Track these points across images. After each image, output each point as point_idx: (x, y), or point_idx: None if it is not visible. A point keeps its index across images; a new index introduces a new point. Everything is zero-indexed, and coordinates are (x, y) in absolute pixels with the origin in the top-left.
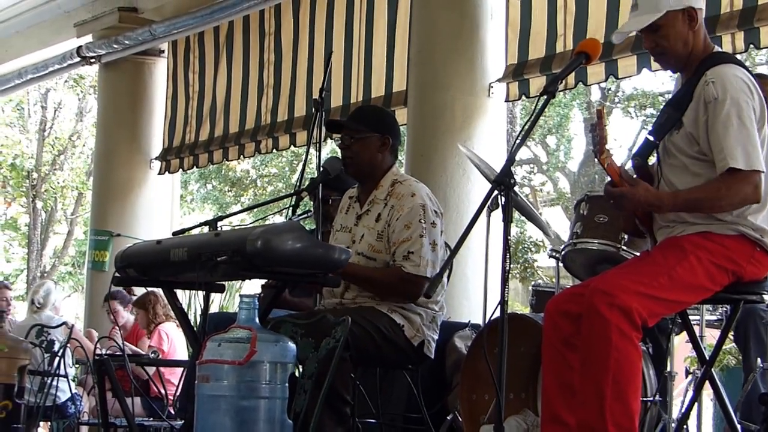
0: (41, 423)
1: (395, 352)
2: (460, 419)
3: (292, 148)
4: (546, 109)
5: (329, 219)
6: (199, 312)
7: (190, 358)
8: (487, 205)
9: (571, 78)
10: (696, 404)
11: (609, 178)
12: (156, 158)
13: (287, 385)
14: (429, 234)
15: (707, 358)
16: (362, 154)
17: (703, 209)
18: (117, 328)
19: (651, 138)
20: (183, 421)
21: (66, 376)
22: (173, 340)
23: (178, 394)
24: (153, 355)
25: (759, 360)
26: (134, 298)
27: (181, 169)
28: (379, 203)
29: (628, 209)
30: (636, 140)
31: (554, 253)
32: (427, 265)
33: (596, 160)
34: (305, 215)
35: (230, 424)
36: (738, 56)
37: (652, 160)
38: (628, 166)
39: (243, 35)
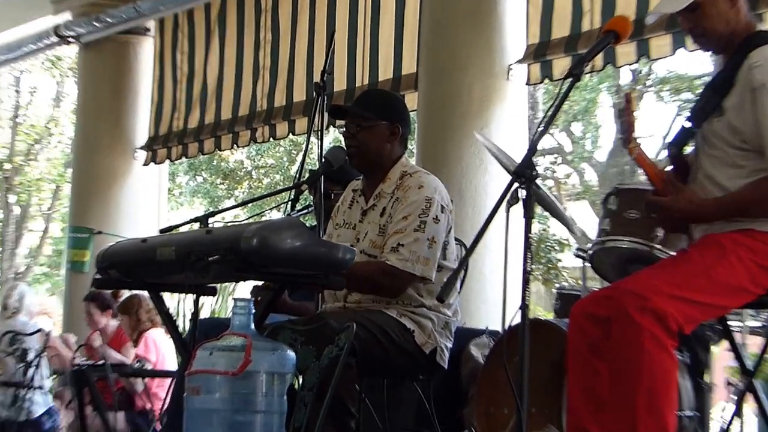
0: None
1: (405, 360)
2: None
3: (291, 136)
4: (571, 94)
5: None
6: (188, 317)
7: (178, 368)
8: (506, 199)
9: (598, 59)
10: (737, 419)
11: (647, 180)
12: (141, 147)
13: (286, 397)
14: (427, 229)
15: (750, 368)
16: (369, 144)
17: (751, 213)
18: (97, 333)
19: (688, 125)
20: None
21: (41, 387)
22: (161, 349)
23: (165, 407)
24: (138, 365)
25: None
26: (118, 301)
27: (168, 160)
28: (385, 197)
29: (667, 226)
30: (671, 128)
31: (580, 253)
32: (417, 261)
33: (624, 150)
34: (305, 211)
35: None
36: None
37: (689, 149)
38: (663, 155)
39: (237, 12)
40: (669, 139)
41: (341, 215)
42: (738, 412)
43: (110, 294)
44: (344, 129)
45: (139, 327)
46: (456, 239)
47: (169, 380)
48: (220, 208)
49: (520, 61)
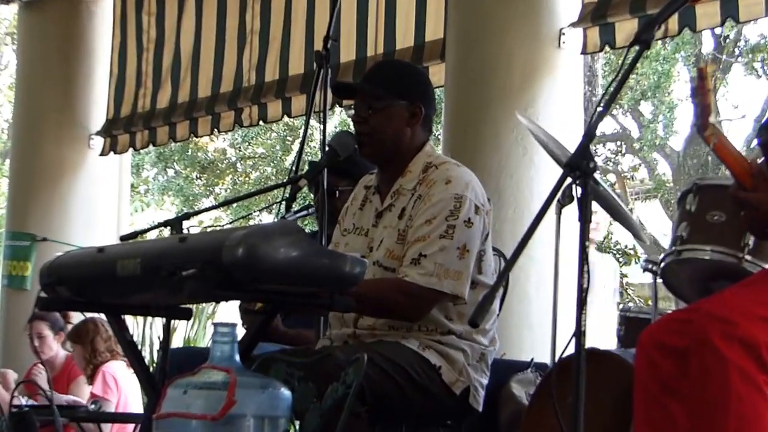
0: None
1: (429, 403)
2: None
3: (286, 119)
4: (638, 65)
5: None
6: (156, 347)
7: (144, 410)
8: (556, 199)
9: (673, 22)
10: None
11: (727, 171)
12: (97, 133)
13: None
14: (457, 235)
15: None
16: (384, 130)
17: None
18: (40, 365)
19: None
20: None
21: None
22: (123, 387)
23: None
24: (93, 407)
25: None
26: (68, 326)
27: (131, 149)
28: (405, 195)
29: (757, 229)
30: (765, 107)
31: (650, 266)
32: (444, 275)
33: (701, 138)
34: (304, 213)
35: None
36: None
37: None
38: (754, 144)
39: None
40: (763, 121)
41: (350, 218)
42: None
43: (60, 315)
44: (353, 111)
45: (95, 359)
46: (494, 249)
47: (131, 427)
48: (196, 209)
49: (574, 24)
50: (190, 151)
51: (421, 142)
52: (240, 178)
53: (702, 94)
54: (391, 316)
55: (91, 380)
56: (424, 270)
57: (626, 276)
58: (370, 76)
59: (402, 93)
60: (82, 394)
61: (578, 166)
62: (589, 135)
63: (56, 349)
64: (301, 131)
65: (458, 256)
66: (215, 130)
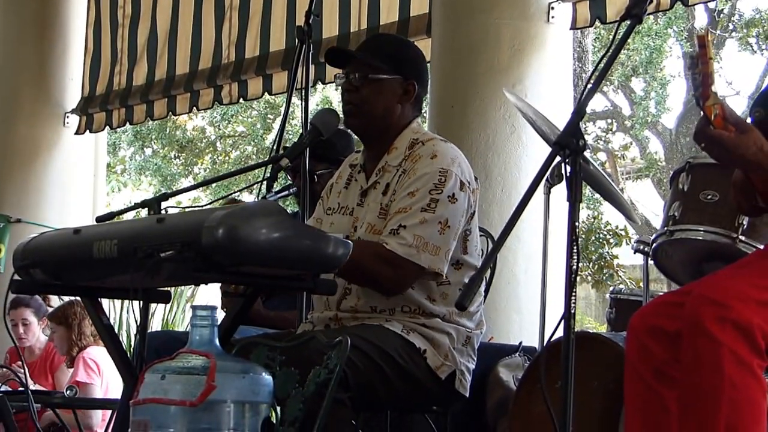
0: None
1: (414, 389)
2: None
3: (267, 96)
4: (630, 40)
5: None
6: (134, 331)
7: (121, 396)
8: (545, 178)
9: None
10: None
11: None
12: (72, 111)
13: None
14: (439, 209)
15: None
16: (375, 102)
17: None
18: (17, 350)
19: None
20: None
21: None
22: (105, 371)
23: None
24: (69, 392)
25: None
26: (50, 309)
27: (108, 127)
28: (390, 171)
29: (725, 162)
30: (759, 84)
31: (642, 246)
32: (423, 247)
33: (699, 108)
34: (286, 193)
35: None
36: None
37: None
38: (748, 121)
39: None
40: (756, 97)
41: (335, 197)
42: None
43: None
44: (343, 79)
45: (80, 342)
46: (481, 229)
47: (108, 413)
48: (174, 189)
49: None
50: (168, 129)
51: (409, 119)
52: (219, 158)
53: (704, 62)
54: (369, 283)
55: (72, 364)
56: (404, 240)
57: (617, 257)
58: (368, 47)
59: (398, 68)
60: (63, 383)
61: (568, 144)
62: (579, 112)
63: (38, 334)
64: (283, 109)
65: (438, 230)
66: (194, 107)
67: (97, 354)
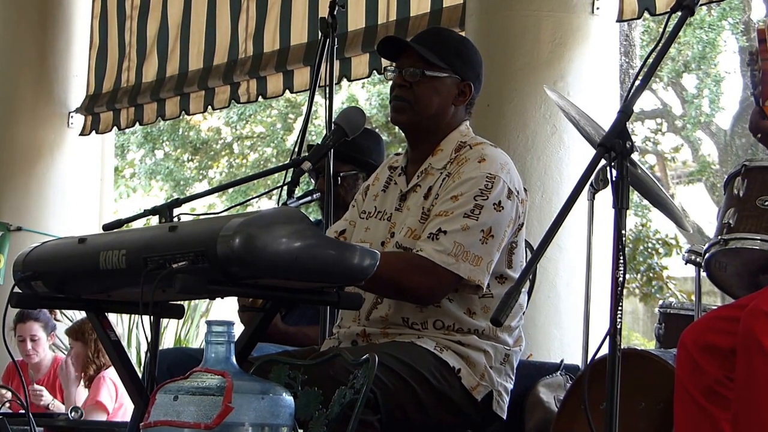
0: None
1: (447, 410)
2: None
3: (287, 94)
4: (681, 33)
5: (343, 206)
6: (144, 348)
7: (131, 419)
8: (589, 182)
9: None
10: None
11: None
12: (77, 110)
13: None
14: (483, 217)
15: None
16: (429, 101)
17: None
18: (16, 368)
19: None
20: None
21: None
22: (123, 394)
23: None
24: (74, 414)
25: None
26: (58, 323)
27: (115, 128)
28: (433, 174)
29: None
30: None
31: (693, 257)
32: (462, 256)
33: (758, 109)
34: (308, 199)
35: None
36: None
37: None
38: None
39: None
40: None
41: (371, 200)
42: None
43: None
44: (394, 72)
45: (98, 359)
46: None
47: None
48: (188, 194)
49: None
50: (180, 130)
51: (459, 122)
52: (236, 161)
53: (764, 59)
54: (401, 295)
55: (88, 382)
56: (441, 247)
57: (666, 268)
58: (427, 40)
59: (457, 67)
60: (79, 399)
61: (613, 146)
62: (626, 112)
63: (47, 350)
64: (305, 108)
65: (481, 239)
66: (209, 107)
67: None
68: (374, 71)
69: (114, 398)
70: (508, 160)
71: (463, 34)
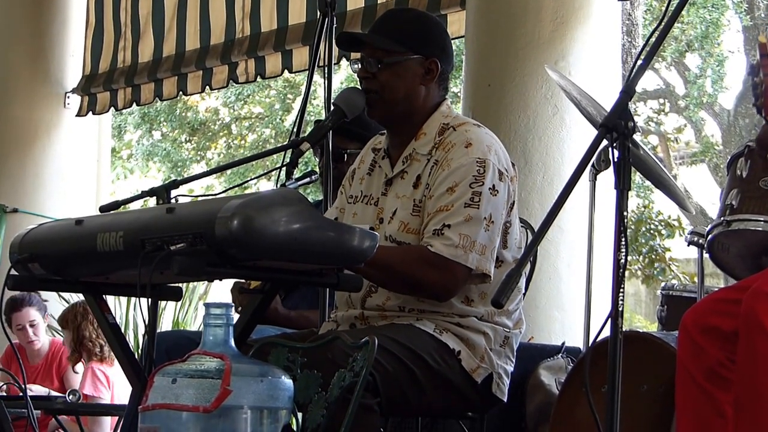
0: None
1: (447, 393)
2: None
3: (286, 74)
4: (684, 13)
5: None
6: (142, 331)
7: (129, 401)
8: (591, 163)
9: None
10: None
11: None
12: (73, 91)
13: None
14: (483, 204)
15: None
16: (395, 87)
17: None
18: (14, 351)
19: None
20: None
21: None
22: (116, 387)
23: None
24: (72, 397)
25: None
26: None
27: (112, 108)
28: (419, 160)
29: None
30: None
31: (696, 238)
32: (470, 248)
33: (761, 117)
34: (307, 180)
35: None
36: None
37: None
38: None
39: None
40: None
41: (357, 184)
42: None
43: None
44: (359, 66)
45: (81, 347)
46: (520, 220)
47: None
48: (185, 175)
49: None
50: (178, 111)
51: (436, 101)
52: (235, 141)
53: (766, 73)
54: (417, 290)
55: (74, 367)
56: (449, 241)
57: (669, 250)
58: (379, 27)
59: (415, 46)
60: (74, 385)
61: (615, 126)
62: (628, 92)
63: (42, 338)
64: (303, 88)
65: (485, 227)
66: (206, 87)
67: (108, 368)
68: None
69: (103, 389)
70: (494, 139)
71: (463, 13)
